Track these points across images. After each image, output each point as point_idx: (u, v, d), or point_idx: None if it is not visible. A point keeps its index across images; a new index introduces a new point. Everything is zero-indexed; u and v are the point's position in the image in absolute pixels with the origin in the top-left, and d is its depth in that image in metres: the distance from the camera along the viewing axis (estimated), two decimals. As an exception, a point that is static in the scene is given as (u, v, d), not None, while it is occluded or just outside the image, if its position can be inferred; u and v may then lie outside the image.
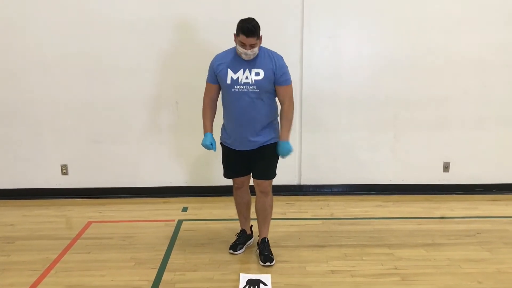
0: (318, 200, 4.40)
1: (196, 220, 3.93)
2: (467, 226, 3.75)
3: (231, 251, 3.20)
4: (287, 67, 2.92)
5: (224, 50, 2.99)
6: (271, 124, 3.01)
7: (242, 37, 2.74)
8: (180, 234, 3.64)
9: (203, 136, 3.00)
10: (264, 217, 3.18)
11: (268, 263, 3.04)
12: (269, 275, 2.93)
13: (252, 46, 2.77)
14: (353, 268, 3.05)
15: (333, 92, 4.32)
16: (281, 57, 2.92)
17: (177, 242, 3.49)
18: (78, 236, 3.61)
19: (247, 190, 3.25)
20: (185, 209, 4.20)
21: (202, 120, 3.03)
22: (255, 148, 2.99)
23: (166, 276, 2.96)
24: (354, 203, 4.35)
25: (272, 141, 3.00)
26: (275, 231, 3.59)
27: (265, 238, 3.19)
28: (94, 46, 4.20)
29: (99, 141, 4.43)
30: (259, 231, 3.22)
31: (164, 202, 4.41)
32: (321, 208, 4.18)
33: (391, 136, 4.48)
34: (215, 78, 2.95)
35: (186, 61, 4.24)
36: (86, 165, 4.49)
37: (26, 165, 4.47)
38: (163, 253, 3.29)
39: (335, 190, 4.62)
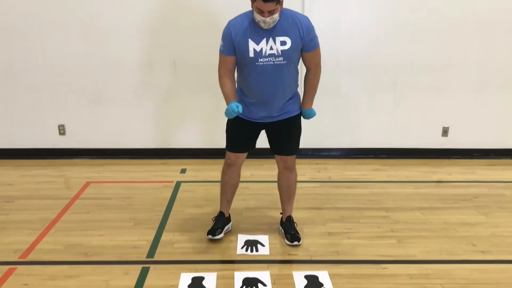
0: (316, 164, 4.41)
1: (194, 182, 3.94)
2: (464, 191, 3.77)
3: (210, 236, 2.89)
4: (314, 29, 2.59)
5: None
6: (296, 94, 2.78)
7: (259, 3, 2.37)
8: (178, 195, 3.66)
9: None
10: (289, 195, 2.97)
11: (296, 242, 2.84)
12: (266, 236, 2.96)
13: (271, 13, 2.41)
14: (350, 230, 3.08)
15: (333, 56, 4.25)
16: (307, 18, 2.58)
17: (175, 203, 3.51)
18: (76, 196, 3.62)
19: (239, 170, 2.95)
20: (183, 171, 4.21)
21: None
22: (278, 120, 2.74)
23: (164, 236, 2.99)
24: (352, 166, 4.37)
25: (297, 113, 2.78)
26: (273, 193, 3.60)
27: (290, 216, 3.00)
28: (90, 5, 4.10)
29: (96, 102, 4.39)
30: (283, 209, 3.01)
31: (162, 164, 4.41)
32: (319, 172, 4.20)
33: (391, 100, 4.44)
34: (233, 50, 2.57)
35: (183, 20, 4.14)
36: (84, 126, 4.47)
37: (23, 125, 4.45)
38: (162, 213, 3.32)
39: (333, 153, 4.62)
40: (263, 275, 2.54)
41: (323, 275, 2.52)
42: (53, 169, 4.25)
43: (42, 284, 2.46)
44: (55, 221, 3.19)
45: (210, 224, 3.04)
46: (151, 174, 4.14)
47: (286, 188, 2.95)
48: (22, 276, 2.52)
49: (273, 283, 2.46)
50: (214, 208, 3.28)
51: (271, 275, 2.53)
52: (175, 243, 2.91)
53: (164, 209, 3.39)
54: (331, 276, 2.53)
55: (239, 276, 2.53)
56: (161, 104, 4.41)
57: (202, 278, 2.51)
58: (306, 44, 2.57)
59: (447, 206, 3.48)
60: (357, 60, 4.30)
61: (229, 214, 3.06)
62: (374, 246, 2.88)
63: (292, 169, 2.90)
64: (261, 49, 2.52)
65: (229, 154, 2.89)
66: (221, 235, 2.92)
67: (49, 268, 2.60)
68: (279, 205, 3.21)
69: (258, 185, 3.83)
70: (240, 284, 2.45)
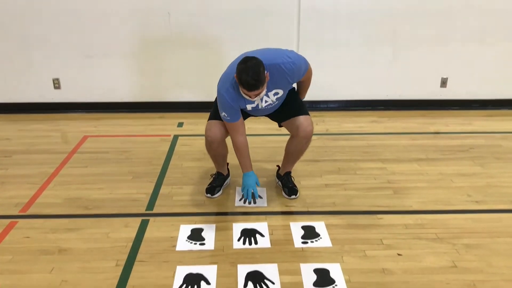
0: (314, 116, 4.35)
1: (192, 136, 3.94)
2: (460, 142, 3.78)
3: (209, 195, 2.87)
4: (299, 62, 2.48)
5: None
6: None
7: (244, 91, 2.31)
8: (176, 149, 3.66)
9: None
10: (296, 158, 2.89)
11: (293, 196, 2.85)
12: (264, 189, 2.99)
13: (257, 95, 2.34)
14: (346, 182, 3.11)
15: (332, 7, 4.15)
16: (291, 63, 2.41)
17: (173, 157, 3.52)
18: (74, 150, 3.63)
19: (223, 143, 2.75)
20: (180, 125, 4.20)
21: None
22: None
23: (163, 189, 3.02)
24: (349, 118, 4.35)
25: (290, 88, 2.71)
26: (270, 147, 3.62)
27: (289, 172, 2.96)
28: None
29: (90, 55, 4.31)
30: (283, 165, 2.96)
31: (159, 117, 4.39)
32: (316, 124, 4.18)
33: (390, 51, 4.37)
34: (238, 112, 2.52)
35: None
36: (79, 80, 4.41)
37: (17, 79, 4.39)
38: (160, 167, 3.33)
39: (331, 106, 4.60)
40: (261, 226, 2.58)
41: (320, 226, 2.57)
42: (50, 124, 4.23)
43: (43, 237, 2.50)
44: (53, 175, 3.21)
45: (208, 177, 3.06)
46: (148, 128, 4.13)
47: (296, 152, 2.84)
48: (23, 230, 2.56)
49: (270, 234, 2.51)
50: (212, 162, 3.28)
51: (269, 226, 2.57)
52: (174, 196, 2.94)
53: (162, 162, 3.41)
54: (328, 226, 2.57)
55: (238, 227, 2.57)
56: (156, 57, 4.34)
57: (201, 230, 2.55)
58: (298, 79, 2.61)
59: (443, 157, 3.50)
60: (356, 11, 4.19)
61: (227, 170, 3.04)
62: (370, 197, 2.91)
63: (310, 138, 2.71)
64: (257, 105, 2.55)
65: (210, 125, 2.68)
66: (220, 192, 2.92)
67: (50, 222, 2.64)
68: (276, 158, 3.22)
69: (254, 138, 3.82)
70: (239, 235, 2.50)
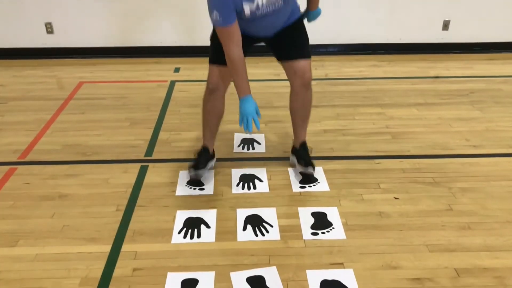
0: (313, 61, 4.25)
1: (189, 81, 3.89)
2: (460, 86, 3.74)
3: (192, 169, 2.49)
4: None
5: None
6: (295, 7, 2.35)
7: None
8: (173, 95, 3.63)
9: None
10: (304, 118, 2.54)
11: (310, 169, 2.51)
12: (262, 135, 2.99)
13: None
14: (345, 127, 3.10)
15: None
16: None
17: (171, 103, 3.49)
18: (70, 97, 3.59)
19: (223, 98, 2.46)
20: (177, 70, 4.14)
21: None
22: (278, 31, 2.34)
23: (162, 135, 3.01)
24: (349, 63, 4.29)
25: (298, 16, 2.37)
26: (269, 92, 3.58)
27: (304, 142, 2.61)
28: None
29: (82, -2, 4.18)
30: (295, 135, 2.60)
31: (156, 63, 4.32)
32: (316, 69, 4.12)
33: (392, -8, 4.24)
34: (231, 12, 2.08)
35: None
36: (72, 24, 4.29)
37: (7, 23, 4.27)
38: (158, 113, 3.31)
39: (331, 50, 4.51)
40: (260, 171, 2.60)
41: (318, 170, 2.58)
42: (44, 69, 4.16)
43: (43, 183, 2.52)
44: (50, 121, 3.19)
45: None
46: (144, 74, 4.07)
47: (302, 109, 2.51)
48: (23, 176, 2.58)
49: (269, 179, 2.53)
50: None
51: (267, 171, 2.59)
52: (172, 142, 2.94)
53: (159, 108, 3.38)
54: (326, 171, 2.59)
55: (236, 172, 2.59)
56: (151, 1, 4.20)
57: (200, 175, 2.57)
58: None
59: (443, 101, 3.47)
60: None
61: (213, 150, 2.64)
62: (368, 142, 2.92)
63: (309, 85, 2.41)
64: (256, 4, 2.10)
65: (212, 71, 2.37)
66: (204, 172, 2.52)
67: (49, 168, 2.65)
68: (275, 104, 3.19)
69: (253, 84, 3.76)
70: (238, 180, 2.52)
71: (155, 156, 2.78)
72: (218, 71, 2.34)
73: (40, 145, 2.90)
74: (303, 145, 2.60)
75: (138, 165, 2.67)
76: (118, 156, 2.78)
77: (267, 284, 1.84)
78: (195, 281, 1.87)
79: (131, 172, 2.61)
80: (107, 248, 2.05)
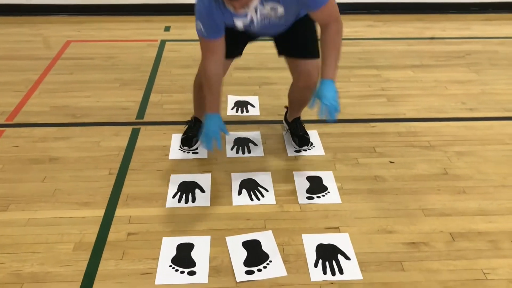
0: (307, 20, 4.21)
1: (180, 41, 3.78)
2: (457, 47, 3.69)
3: (185, 147, 2.40)
4: None
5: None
6: None
7: (226, 2, 1.68)
8: (164, 54, 3.53)
9: None
10: (301, 107, 2.35)
11: (305, 147, 2.39)
12: (256, 97, 2.93)
13: (243, 6, 1.68)
14: (340, 89, 2.96)
15: None
16: None
17: (161, 63, 3.40)
18: (57, 56, 3.47)
19: (221, 79, 2.10)
20: (167, 29, 4.01)
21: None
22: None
23: (153, 97, 2.94)
24: (345, 23, 4.11)
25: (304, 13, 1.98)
26: (263, 53, 3.48)
27: (298, 117, 2.44)
28: None
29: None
30: (289, 112, 2.46)
31: (146, 21, 4.18)
32: (310, 28, 4.03)
33: None
34: (220, 27, 1.89)
35: None
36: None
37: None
38: (148, 74, 3.22)
39: (325, 8, 4.39)
40: (254, 135, 2.56)
41: (313, 134, 2.54)
42: (30, 27, 4.02)
43: (32, 146, 2.46)
44: (38, 82, 3.10)
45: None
46: (134, 32, 3.94)
47: (300, 102, 2.32)
48: (11, 138, 2.51)
49: (264, 143, 2.50)
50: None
51: (262, 135, 2.55)
52: (164, 104, 2.87)
53: (150, 69, 3.29)
54: (321, 135, 2.55)
55: (230, 136, 2.54)
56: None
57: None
58: (307, 4, 1.84)
59: (439, 63, 3.42)
60: None
61: None
62: (363, 105, 2.88)
63: (314, 87, 2.02)
64: (251, 21, 1.89)
65: (205, 45, 1.97)
66: (198, 143, 2.39)
67: (38, 130, 2.58)
68: (269, 65, 3.11)
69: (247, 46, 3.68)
70: (232, 144, 2.48)
71: (146, 118, 2.72)
72: (213, 45, 1.97)
73: (28, 107, 2.82)
74: (297, 120, 2.45)
75: (130, 128, 2.61)
76: (109, 118, 2.71)
77: (263, 248, 1.84)
78: (190, 245, 1.86)
79: (123, 135, 2.55)
80: (100, 213, 2.02)
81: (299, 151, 2.43)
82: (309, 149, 2.44)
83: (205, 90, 2.06)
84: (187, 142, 2.41)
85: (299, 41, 2.09)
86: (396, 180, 2.23)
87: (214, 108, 2.07)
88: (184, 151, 2.42)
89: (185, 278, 1.72)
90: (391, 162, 2.36)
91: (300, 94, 2.25)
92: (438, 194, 2.14)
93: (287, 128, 2.50)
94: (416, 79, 3.19)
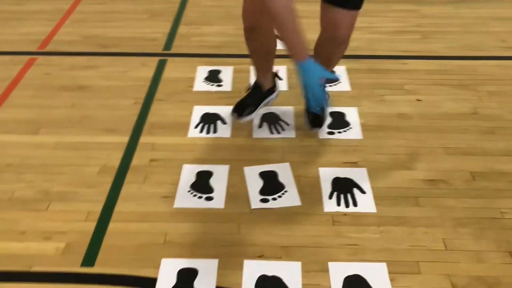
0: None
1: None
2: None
3: (235, 114, 2.11)
4: None
5: None
6: None
7: None
8: (194, -14, 3.46)
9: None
10: (326, 67, 1.81)
11: (317, 129, 2.06)
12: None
13: None
14: (373, 24, 2.93)
15: None
16: None
17: (192, -5, 3.34)
18: (89, -14, 3.47)
19: (269, 32, 1.91)
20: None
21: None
22: None
23: (181, 29, 2.93)
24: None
25: None
26: None
27: None
28: None
29: None
30: None
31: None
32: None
33: None
34: None
35: None
36: None
37: None
38: (177, 5, 3.18)
39: None
40: (279, 69, 2.51)
41: (341, 69, 2.47)
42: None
43: (62, 73, 2.52)
44: (69, 12, 3.12)
45: (227, 17, 2.93)
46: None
47: (325, 59, 1.89)
48: (42, 66, 2.58)
49: (288, 77, 2.46)
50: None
51: (287, 70, 2.50)
52: (191, 36, 2.85)
53: (179, 0, 3.25)
54: (349, 70, 2.49)
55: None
56: None
57: (218, 72, 2.52)
58: None
59: (482, -1, 3.22)
60: None
61: (274, 81, 2.16)
62: (396, 41, 2.77)
63: (341, 43, 1.86)
64: None
65: (245, 3, 1.85)
66: (252, 116, 2.12)
67: (68, 59, 2.64)
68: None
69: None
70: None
71: (174, 50, 2.73)
72: (251, 3, 1.82)
73: (60, 36, 2.87)
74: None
75: (157, 59, 2.63)
76: (136, 48, 2.73)
77: (279, 179, 1.87)
78: (209, 173, 1.91)
79: (150, 65, 2.58)
80: (125, 139, 2.08)
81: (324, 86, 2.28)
82: (335, 85, 2.38)
83: (278, 31, 1.66)
84: (240, 108, 2.10)
85: None
86: (421, 118, 2.18)
87: (301, 51, 1.64)
88: (208, 84, 2.41)
89: (202, 203, 1.78)
90: (418, 100, 2.29)
91: (327, 49, 1.90)
92: (464, 133, 2.08)
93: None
94: (456, 15, 3.03)
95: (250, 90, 2.16)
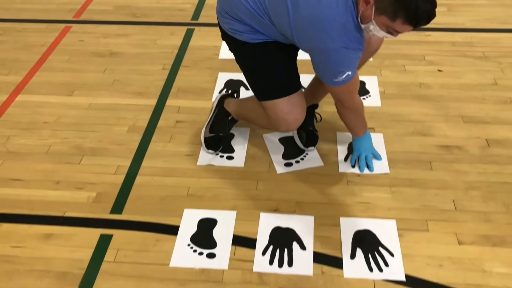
0: None
1: None
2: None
3: (211, 151, 1.92)
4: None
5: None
6: None
7: (403, 27, 1.39)
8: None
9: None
10: (325, 91, 1.89)
11: (311, 148, 1.92)
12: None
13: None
14: None
15: None
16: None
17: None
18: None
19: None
20: None
21: None
22: None
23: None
24: None
25: None
26: None
27: (316, 105, 1.98)
28: None
29: None
30: (309, 95, 1.90)
31: None
32: None
33: None
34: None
35: None
36: None
37: None
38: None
39: None
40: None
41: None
42: None
43: (96, 41, 2.65)
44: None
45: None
46: None
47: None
48: (77, 34, 2.71)
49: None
50: None
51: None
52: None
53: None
54: (371, 41, 2.53)
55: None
56: None
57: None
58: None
59: (513, -27, 3.16)
60: None
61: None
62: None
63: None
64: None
65: (279, 106, 1.69)
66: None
67: (101, 27, 2.76)
68: None
69: None
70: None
71: (201, 20, 2.81)
72: (296, 99, 1.71)
73: (94, 5, 2.99)
74: (313, 108, 1.96)
75: (185, 28, 2.72)
76: (166, 18, 2.83)
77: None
78: (231, 135, 2.00)
79: (178, 34, 2.67)
80: (153, 102, 2.20)
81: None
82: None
83: (357, 121, 1.78)
84: (216, 144, 1.94)
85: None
86: (441, 87, 2.21)
87: (365, 128, 1.81)
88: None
89: (224, 161, 1.89)
90: (439, 70, 2.32)
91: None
92: (482, 103, 2.11)
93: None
94: (485, -12, 3.00)
95: (222, 117, 1.95)
